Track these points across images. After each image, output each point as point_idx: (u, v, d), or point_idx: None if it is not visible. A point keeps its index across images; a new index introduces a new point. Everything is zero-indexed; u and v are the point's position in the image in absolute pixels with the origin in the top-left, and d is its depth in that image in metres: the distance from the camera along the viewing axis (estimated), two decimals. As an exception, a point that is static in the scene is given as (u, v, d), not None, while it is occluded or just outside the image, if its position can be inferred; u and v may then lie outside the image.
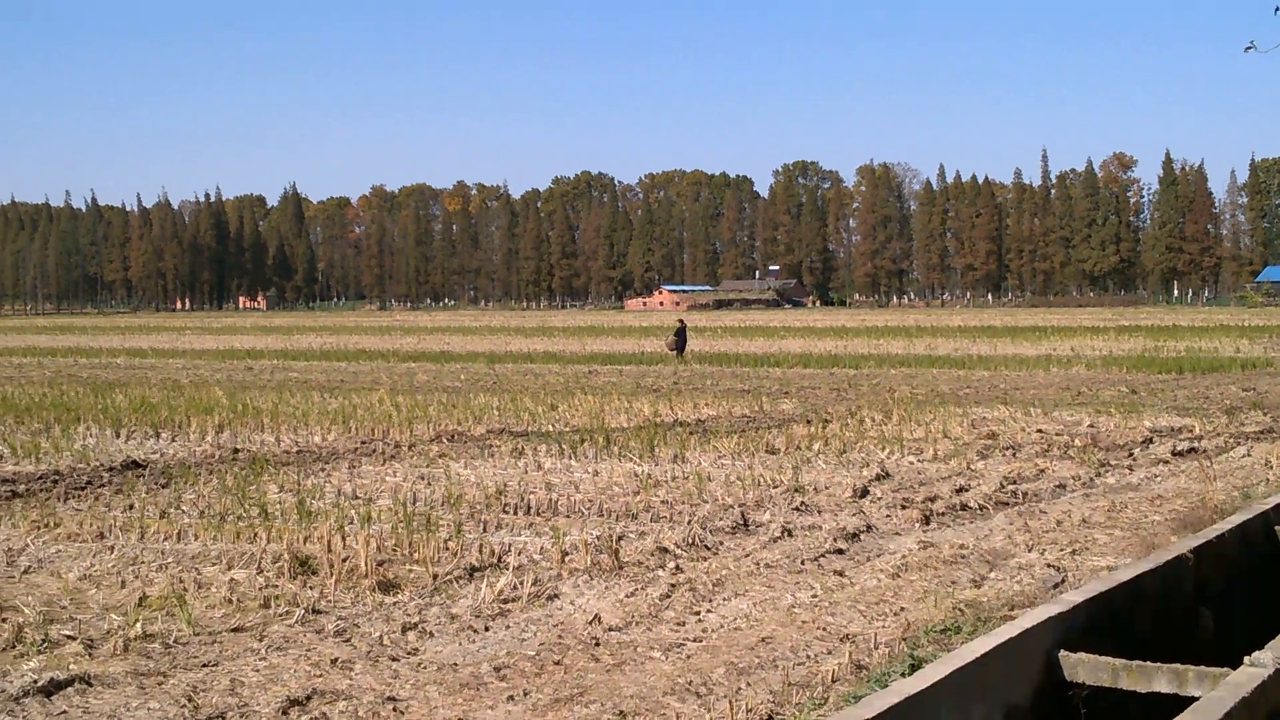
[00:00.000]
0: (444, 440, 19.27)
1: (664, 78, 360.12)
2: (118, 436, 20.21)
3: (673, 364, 40.21)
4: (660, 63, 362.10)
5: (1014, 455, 17.36)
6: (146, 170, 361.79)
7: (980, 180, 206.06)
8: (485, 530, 12.12)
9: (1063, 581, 9.69)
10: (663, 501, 13.58)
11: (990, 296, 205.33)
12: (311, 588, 9.83)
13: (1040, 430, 19.90)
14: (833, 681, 7.37)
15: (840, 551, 11.13)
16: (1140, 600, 7.36)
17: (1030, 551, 10.93)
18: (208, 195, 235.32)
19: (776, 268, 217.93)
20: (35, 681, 7.40)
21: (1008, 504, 13.57)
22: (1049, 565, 10.30)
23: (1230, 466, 15.87)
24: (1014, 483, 14.81)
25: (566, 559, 10.67)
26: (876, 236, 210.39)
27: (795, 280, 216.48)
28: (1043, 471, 15.72)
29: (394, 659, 8.01)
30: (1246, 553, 8.98)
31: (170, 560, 10.81)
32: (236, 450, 18.32)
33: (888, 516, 12.83)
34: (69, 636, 8.45)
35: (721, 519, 12.51)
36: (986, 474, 15.52)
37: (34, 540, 11.77)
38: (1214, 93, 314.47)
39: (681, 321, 46.33)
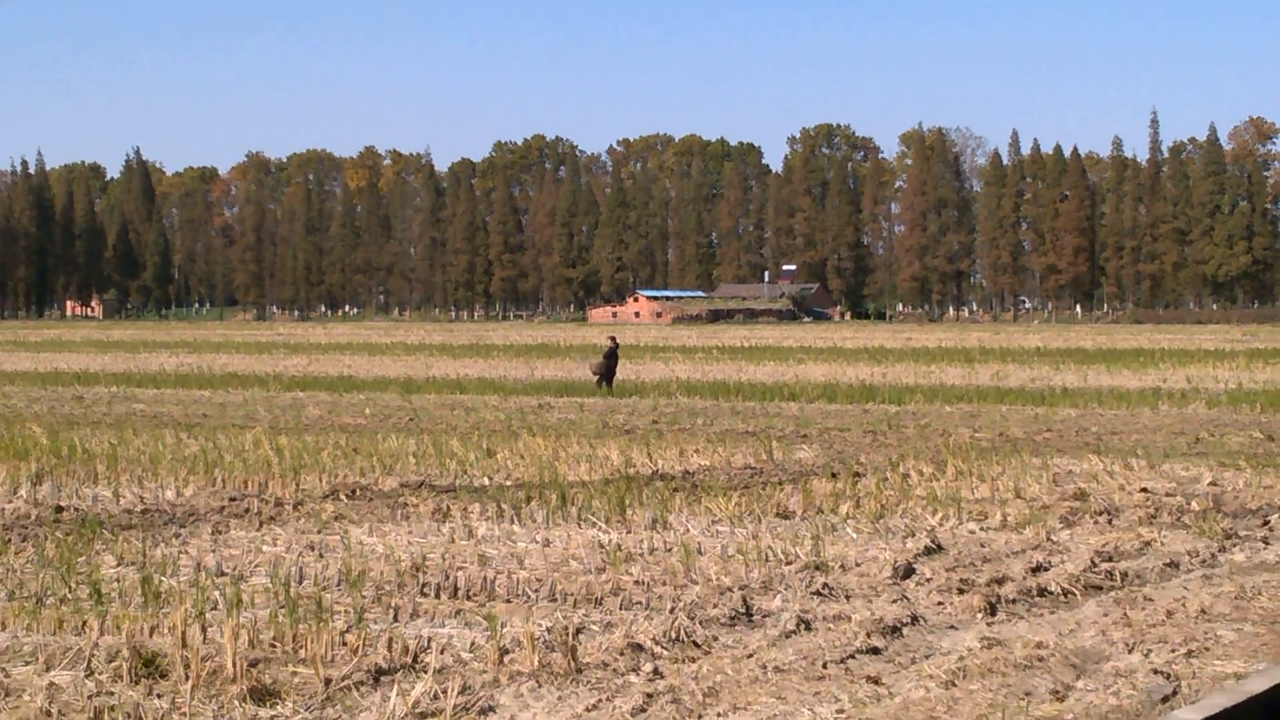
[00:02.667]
0: (342, 496, 19.21)
1: (643, 12, 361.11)
2: (-102, 489, 20.07)
3: (603, 394, 41.08)
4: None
5: (1110, 523, 17.37)
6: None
7: (1067, 153, 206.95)
8: (397, 619, 12.07)
9: (1174, 694, 9.69)
10: (637, 582, 13.53)
11: (1079, 309, 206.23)
12: (160, 695, 9.76)
13: (1145, 489, 19.93)
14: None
15: (876, 651, 11.11)
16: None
17: (1131, 652, 10.93)
18: (24, 163, 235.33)
19: (793, 268, 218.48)
20: None
21: (1101, 588, 13.58)
22: (1156, 671, 10.29)
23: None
24: (1109, 559, 14.81)
25: (506, 659, 10.62)
26: (927, 227, 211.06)
27: (817, 285, 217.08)
28: (1148, 545, 15.74)
29: (271, 793, 7.97)
30: None
31: (-32, 657, 10.72)
32: (60, 509, 18.21)
33: (940, 604, 12.81)
34: None
35: (716, 606, 12.48)
36: (1073, 548, 15.51)
37: None
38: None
39: (614, 340, 46.40)
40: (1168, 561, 14.77)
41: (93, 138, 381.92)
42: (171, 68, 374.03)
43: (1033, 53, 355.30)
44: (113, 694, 9.76)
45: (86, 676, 10.15)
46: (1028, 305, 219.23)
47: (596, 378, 43.93)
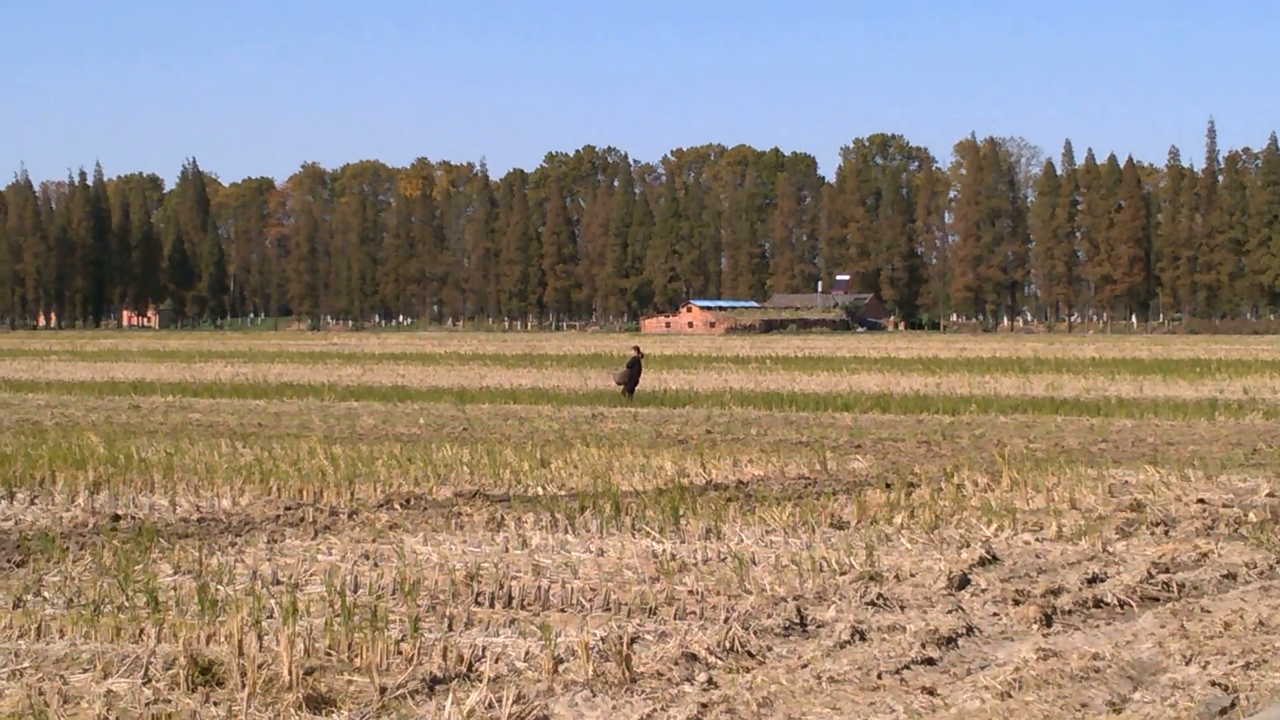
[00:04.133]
0: (396, 506, 19.27)
1: (695, 22, 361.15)
2: (-42, 497, 20.23)
3: (624, 402, 41.64)
4: (690, 3, 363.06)
5: (1166, 534, 17.29)
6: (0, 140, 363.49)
7: (1122, 162, 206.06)
8: (451, 628, 12.10)
9: (1233, 706, 9.64)
10: (691, 592, 13.54)
11: (1134, 319, 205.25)
12: (216, 703, 9.82)
13: (1202, 500, 19.83)
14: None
15: (931, 662, 11.09)
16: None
17: (1188, 664, 10.87)
18: (82, 174, 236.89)
19: (846, 278, 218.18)
20: None
21: (1158, 599, 13.52)
22: (1214, 683, 10.24)
23: None
24: (1166, 571, 14.75)
25: (560, 668, 10.64)
26: (981, 236, 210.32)
27: (871, 295, 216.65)
28: (1205, 556, 15.66)
29: (327, 801, 8.00)
30: None
31: (27, 665, 10.81)
32: (117, 517, 18.34)
33: (995, 615, 12.78)
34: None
35: (770, 616, 12.48)
36: (1129, 559, 15.45)
37: None
38: None
39: (638, 349, 46.59)
40: (1225, 573, 14.70)
41: (150, 149, 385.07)
42: (228, 80, 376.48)
43: (1087, 62, 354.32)
44: (170, 701, 9.82)
45: (144, 684, 10.21)
46: (1078, 315, 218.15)
47: (620, 387, 44.16)
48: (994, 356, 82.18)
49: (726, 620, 12.25)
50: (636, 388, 44.11)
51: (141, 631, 11.71)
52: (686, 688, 10.28)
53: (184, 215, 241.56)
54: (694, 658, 11.03)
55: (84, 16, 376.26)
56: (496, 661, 10.89)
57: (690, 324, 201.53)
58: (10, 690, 10.07)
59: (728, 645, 11.36)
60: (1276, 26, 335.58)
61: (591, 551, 15.85)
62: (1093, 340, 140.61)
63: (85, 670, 10.66)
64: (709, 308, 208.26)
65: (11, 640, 11.64)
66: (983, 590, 13.74)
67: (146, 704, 9.72)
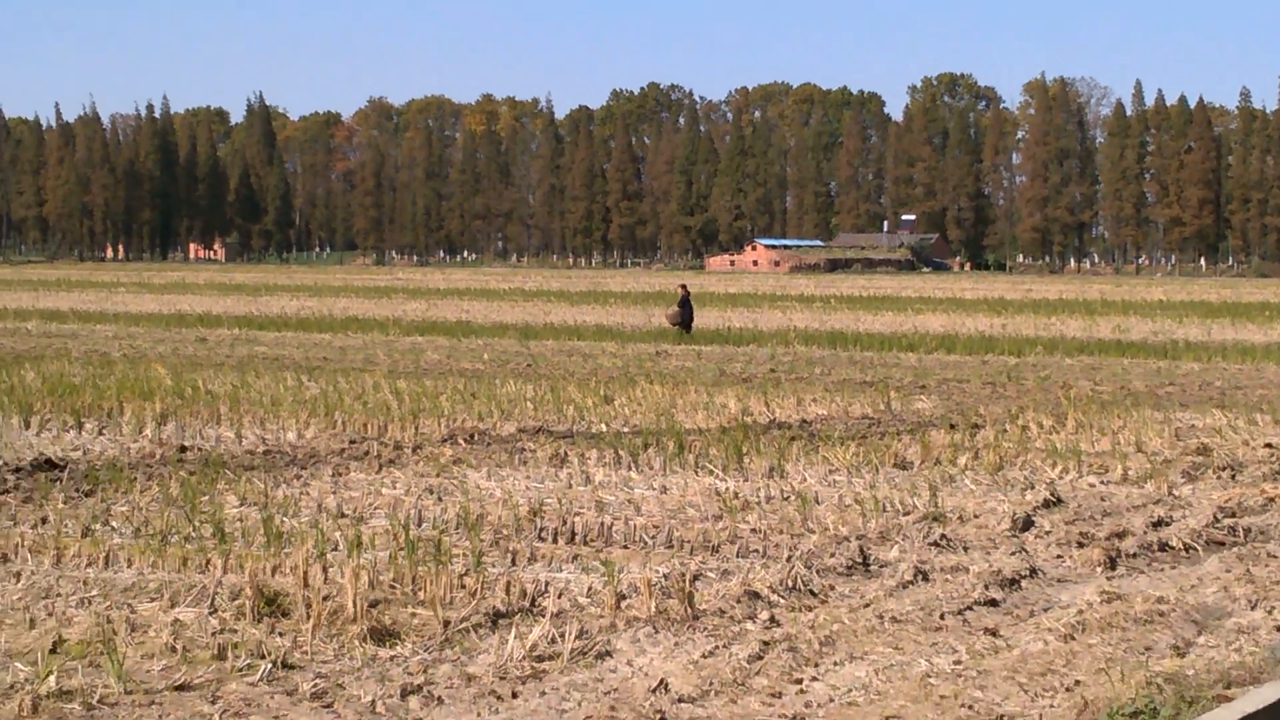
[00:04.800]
0: (460, 441, 19.35)
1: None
2: (27, 427, 20.44)
3: (682, 339, 41.64)
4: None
5: (1233, 478, 17.20)
6: (67, 73, 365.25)
7: (1192, 103, 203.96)
8: (514, 563, 12.17)
9: (1298, 651, 9.60)
10: (753, 530, 13.56)
11: (1204, 262, 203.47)
12: (282, 634, 9.90)
13: (1269, 445, 19.71)
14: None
15: (994, 603, 11.07)
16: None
17: (1254, 609, 10.83)
18: (150, 107, 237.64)
19: (912, 218, 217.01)
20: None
21: (1223, 544, 13.46)
22: (1279, 628, 10.19)
23: None
24: (1232, 515, 14.67)
25: (623, 604, 10.68)
26: (1049, 177, 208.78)
27: (937, 235, 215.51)
28: (1272, 500, 15.57)
29: (390, 732, 8.05)
30: None
31: (95, 593, 10.93)
32: (184, 448, 18.49)
33: (1059, 557, 12.75)
34: (-40, 691, 8.56)
35: (833, 555, 12.49)
36: (1195, 503, 15.39)
37: (-85, 562, 11.94)
38: None
39: (685, 287, 46.63)
40: (1292, 518, 14.61)
41: (217, 83, 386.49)
42: (296, 13, 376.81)
43: (1158, 2, 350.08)
44: (235, 631, 9.91)
45: (210, 614, 10.31)
46: (1146, 258, 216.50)
47: (675, 326, 44.17)
48: (1060, 298, 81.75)
49: (789, 559, 12.26)
50: (692, 324, 44.15)
51: (208, 562, 11.81)
52: (749, 625, 10.31)
53: (250, 149, 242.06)
54: (756, 596, 11.05)
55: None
56: (559, 597, 10.93)
57: (755, 262, 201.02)
58: (79, 618, 10.18)
59: (790, 584, 11.37)
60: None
61: (654, 489, 15.88)
62: (1160, 283, 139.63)
63: (152, 599, 10.76)
64: (774, 246, 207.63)
65: (80, 569, 11.76)
66: (1046, 532, 13.71)
67: (212, 634, 9.81)
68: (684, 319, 44.12)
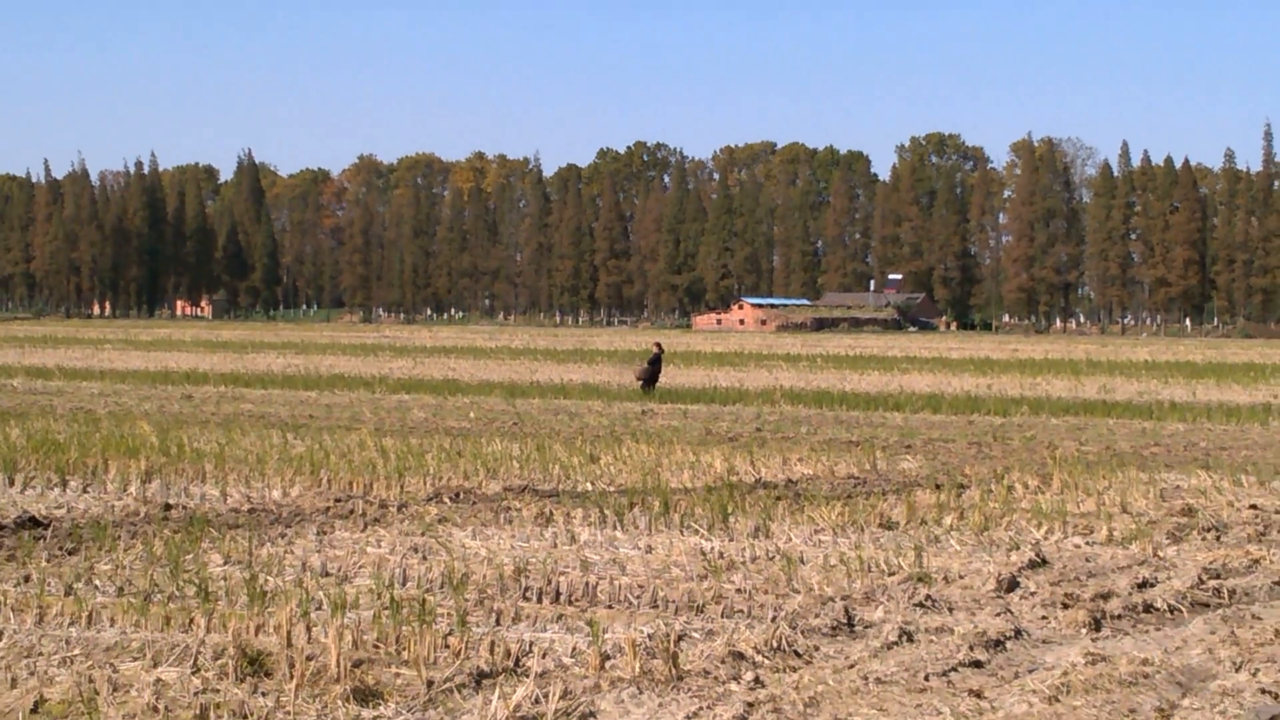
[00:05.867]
0: (446, 499, 19.31)
1: (751, 17, 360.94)
2: (11, 484, 20.39)
3: (644, 400, 41.23)
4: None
5: (1218, 539, 17.19)
6: (57, 130, 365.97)
7: (1178, 164, 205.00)
8: (499, 623, 12.14)
9: (1282, 714, 9.59)
10: (739, 590, 13.54)
11: (1189, 322, 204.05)
12: (265, 694, 9.86)
13: (1255, 506, 19.70)
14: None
15: (978, 664, 11.06)
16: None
17: (1238, 671, 10.81)
18: (139, 164, 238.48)
19: (899, 277, 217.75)
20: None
21: (1208, 605, 13.45)
22: (1264, 691, 10.18)
23: None
24: (1218, 577, 14.66)
25: (607, 665, 10.66)
26: (1035, 237, 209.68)
27: (924, 295, 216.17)
28: (1257, 562, 15.57)
29: (372, 794, 8.03)
30: None
31: (77, 652, 10.88)
32: (169, 506, 18.43)
33: (1044, 618, 12.74)
34: (-59, 751, 8.53)
35: (818, 616, 12.47)
36: (1180, 564, 15.37)
37: (-103, 620, 11.89)
38: None
39: (659, 346, 46.65)
40: (1277, 580, 14.60)
41: (207, 140, 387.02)
42: (286, 71, 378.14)
43: (1144, 63, 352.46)
44: (218, 691, 9.88)
45: (193, 673, 10.28)
46: (1132, 318, 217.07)
47: (640, 382, 44.21)
48: (1046, 358, 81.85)
49: (774, 619, 12.25)
50: (657, 383, 44.21)
51: (191, 621, 11.78)
52: (733, 686, 10.29)
53: (239, 206, 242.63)
54: (741, 656, 11.03)
55: (144, 6, 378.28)
56: (543, 657, 10.91)
57: (741, 321, 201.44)
58: (61, 677, 10.15)
59: (775, 644, 11.35)
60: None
61: (640, 548, 15.86)
62: (1146, 343, 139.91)
63: (135, 659, 10.73)
64: (760, 305, 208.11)
65: (63, 628, 11.72)
66: (1032, 593, 13.70)
67: (195, 693, 9.78)
68: (650, 375, 44.13)
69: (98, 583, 13.55)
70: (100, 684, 9.96)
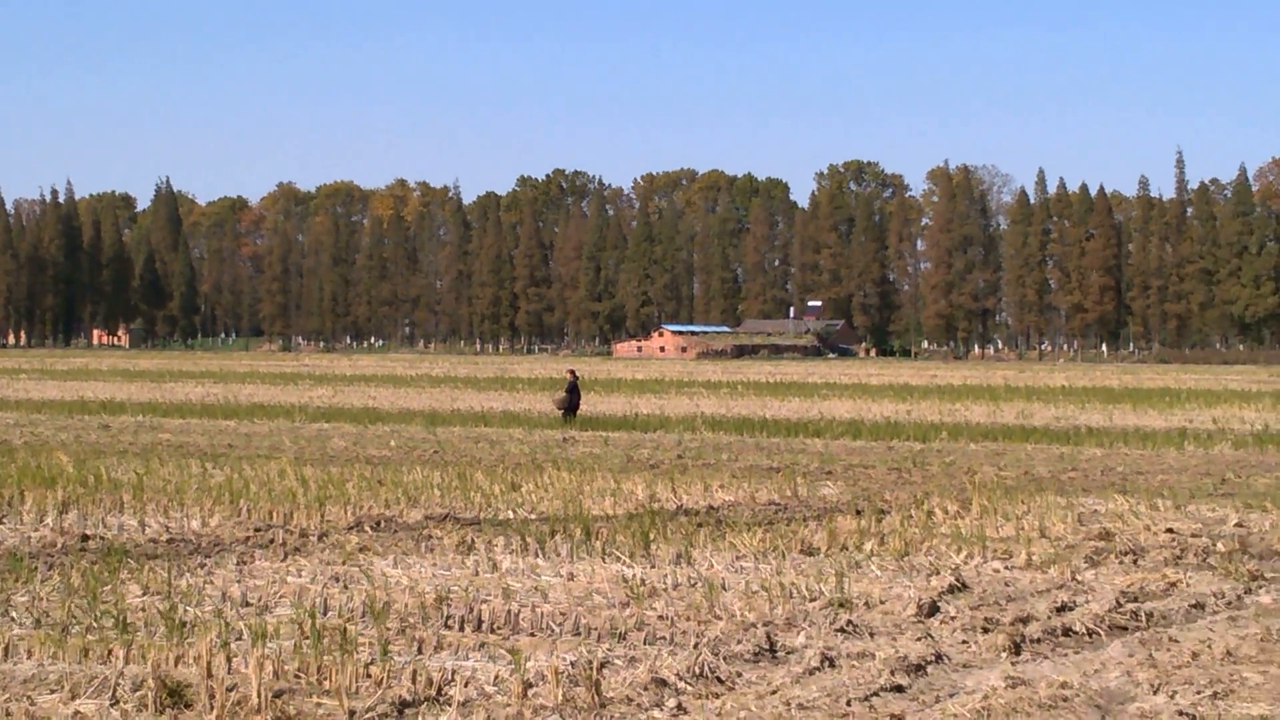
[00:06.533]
0: (367, 528, 19.23)
1: (669, 46, 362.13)
2: (-74, 516, 20.16)
3: (565, 428, 41.10)
4: (663, 27, 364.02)
5: (1135, 563, 17.33)
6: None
7: (1093, 191, 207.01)
8: (421, 652, 12.08)
9: (1200, 735, 9.66)
10: (661, 617, 13.53)
11: (1105, 348, 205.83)
12: (184, 726, 9.79)
13: (1170, 530, 19.87)
14: None
15: (900, 689, 11.10)
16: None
17: (1156, 694, 10.90)
18: (54, 192, 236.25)
19: (818, 304, 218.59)
20: None
21: (1126, 628, 13.55)
22: (1182, 713, 10.27)
23: None
24: (1135, 600, 14.78)
25: (530, 693, 10.63)
26: (953, 264, 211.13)
27: (843, 322, 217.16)
28: (1173, 586, 15.70)
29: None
30: None
31: (-6, 685, 10.77)
32: (86, 537, 18.26)
33: (964, 642, 12.79)
34: None
35: (740, 642, 12.48)
36: (1098, 588, 15.48)
37: None
38: None
39: (573, 373, 46.73)
40: (1193, 603, 14.74)
41: (123, 168, 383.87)
42: (204, 98, 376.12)
43: (1059, 91, 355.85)
44: (138, 723, 9.79)
45: (112, 705, 10.19)
46: (1049, 344, 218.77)
47: (560, 410, 44.23)
48: (965, 384, 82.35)
49: (696, 646, 12.26)
50: (577, 411, 44.21)
51: (110, 653, 11.67)
52: (656, 713, 10.29)
53: (156, 234, 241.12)
54: (663, 683, 11.03)
55: (58, 33, 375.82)
56: (466, 685, 10.87)
57: (662, 348, 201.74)
58: (-23, 711, 10.04)
59: (697, 671, 11.36)
60: (1244, 59, 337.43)
61: (562, 576, 15.83)
62: (1063, 369, 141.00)
63: (53, 691, 10.62)
64: (681, 332, 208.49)
65: (-21, 660, 11.59)
66: (952, 618, 13.76)
67: (114, 726, 9.69)
68: (570, 404, 44.18)
69: (14, 614, 13.41)
70: (18, 717, 9.87)
